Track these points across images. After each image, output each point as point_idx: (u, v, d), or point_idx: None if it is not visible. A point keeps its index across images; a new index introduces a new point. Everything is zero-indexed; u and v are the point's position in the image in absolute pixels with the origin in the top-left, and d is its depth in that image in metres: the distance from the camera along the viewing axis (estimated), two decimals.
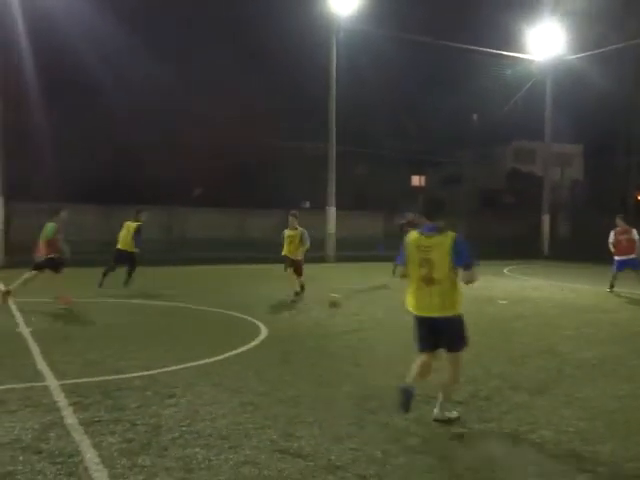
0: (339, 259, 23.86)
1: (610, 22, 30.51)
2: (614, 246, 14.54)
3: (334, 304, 10.02)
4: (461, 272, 4.93)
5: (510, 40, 28.46)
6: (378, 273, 19.10)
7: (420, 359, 5.11)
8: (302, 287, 12.88)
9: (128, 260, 13.51)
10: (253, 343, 8.22)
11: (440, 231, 4.94)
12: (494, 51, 27.76)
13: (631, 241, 14.30)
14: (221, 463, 4.23)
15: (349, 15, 23.76)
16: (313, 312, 11.13)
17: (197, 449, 4.44)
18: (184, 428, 4.86)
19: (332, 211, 24.07)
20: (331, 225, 24.01)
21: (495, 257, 23.55)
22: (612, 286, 14.45)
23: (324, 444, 4.60)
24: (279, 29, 29.56)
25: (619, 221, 14.70)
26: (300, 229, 12.71)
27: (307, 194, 31.63)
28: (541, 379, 6.67)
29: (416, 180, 47.17)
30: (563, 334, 9.38)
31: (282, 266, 12.85)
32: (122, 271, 13.78)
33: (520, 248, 26.51)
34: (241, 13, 33.57)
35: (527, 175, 36.40)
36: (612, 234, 14.68)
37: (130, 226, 13.52)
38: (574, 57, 27.95)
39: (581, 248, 27.46)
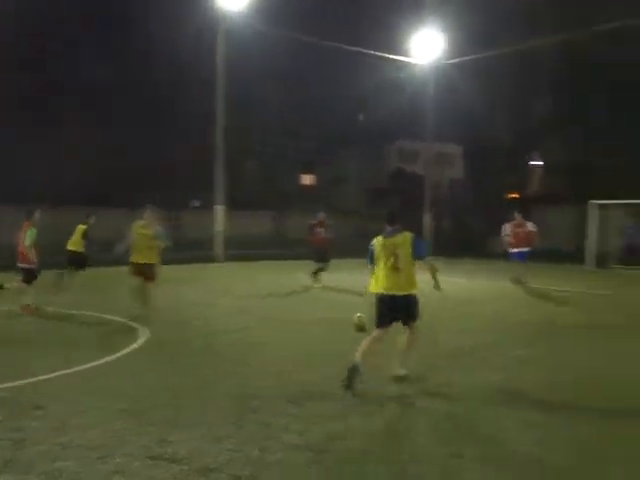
0: (228, 258, 23.62)
1: (493, 28, 32.23)
2: (512, 238, 15.13)
3: (361, 327, 8.82)
4: (418, 262, 6.38)
5: (395, 42, 29.37)
6: (268, 272, 19.10)
7: (374, 335, 6.32)
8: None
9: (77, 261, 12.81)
10: (134, 346, 7.92)
11: (400, 232, 6.43)
12: (379, 53, 28.53)
13: (527, 233, 15.04)
14: (90, 475, 4.02)
15: (236, 11, 23.51)
16: (201, 312, 10.93)
17: (65, 462, 4.20)
18: (52, 440, 4.58)
19: (220, 210, 23.77)
20: (219, 224, 23.71)
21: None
22: (519, 280, 14.80)
23: (201, 446, 4.51)
24: (163, 27, 28.66)
25: (517, 215, 15.44)
26: (156, 227, 10.46)
27: (198, 193, 31.22)
28: (418, 369, 6.90)
29: (306, 179, 47.56)
30: (442, 325, 9.77)
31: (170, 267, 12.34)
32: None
33: None
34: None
35: (411, 175, 37.74)
36: (507, 227, 15.34)
37: (80, 229, 12.93)
38: (455, 61, 29.20)
39: (462, 245, 28.87)
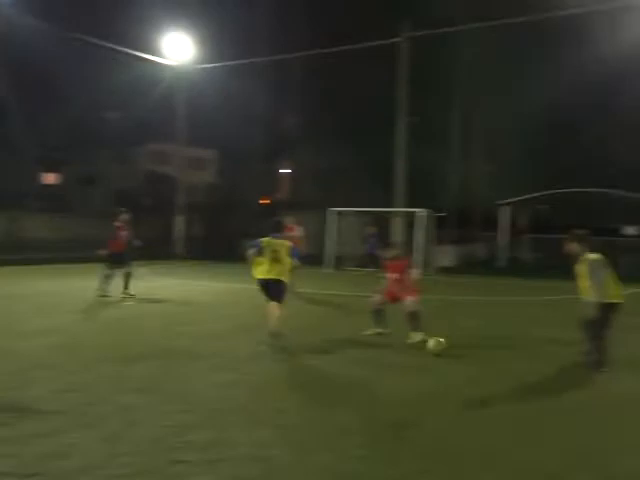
0: None
1: (252, 36, 33.13)
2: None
3: (436, 350, 7.84)
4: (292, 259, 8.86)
5: (149, 44, 28.63)
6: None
7: (268, 307, 8.65)
8: None
9: None
10: None
11: (281, 237, 8.97)
12: (132, 52, 27.53)
13: (294, 238, 15.37)
14: None
15: None
16: None
17: None
18: None
19: None
20: None
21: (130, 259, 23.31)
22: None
23: None
24: None
25: (289, 219, 15.76)
26: None
27: None
28: (152, 377, 6.74)
29: (49, 178, 44.08)
30: (183, 331, 9.69)
31: None
32: None
33: (156, 249, 26.77)
34: None
35: (163, 177, 37.05)
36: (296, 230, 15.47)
37: None
38: (209, 66, 29.39)
39: (214, 248, 29.13)
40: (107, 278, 13.43)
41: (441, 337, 8.27)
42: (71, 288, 15.33)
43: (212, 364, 7.41)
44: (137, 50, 27.84)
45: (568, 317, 9.01)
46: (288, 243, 8.92)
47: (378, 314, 9.38)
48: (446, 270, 22.43)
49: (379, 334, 9.33)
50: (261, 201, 37.13)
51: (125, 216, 14.03)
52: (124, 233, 13.77)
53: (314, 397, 6.20)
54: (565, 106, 29.48)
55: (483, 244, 29.82)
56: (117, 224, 13.80)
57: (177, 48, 28.89)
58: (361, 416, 5.56)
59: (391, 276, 9.23)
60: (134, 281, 13.90)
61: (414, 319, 8.97)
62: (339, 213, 23.64)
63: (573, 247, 7.63)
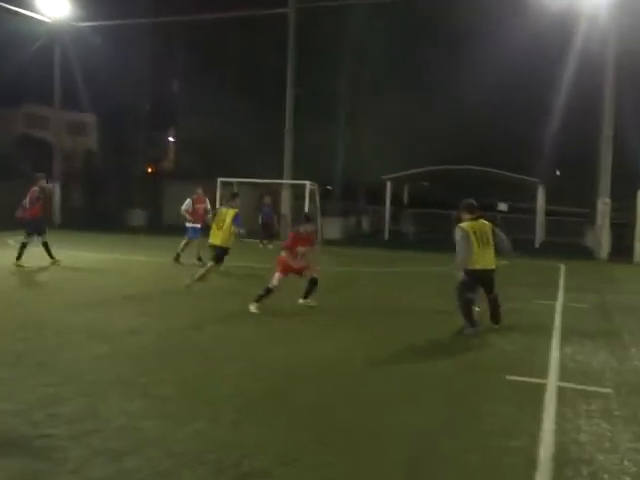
0: None
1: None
2: (190, 214, 14.76)
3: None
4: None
5: None
6: None
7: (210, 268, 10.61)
8: None
9: None
10: None
11: (231, 207, 10.87)
12: (4, 5, 25.42)
13: (205, 210, 14.93)
14: None
15: None
16: None
17: None
18: None
19: None
20: None
21: (2, 227, 21.98)
22: (179, 255, 14.49)
23: None
24: None
25: (198, 190, 15.22)
26: None
27: None
28: (19, 350, 6.43)
29: None
30: (50, 302, 9.28)
31: None
32: None
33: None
34: None
35: (40, 142, 34.84)
36: (188, 201, 14.93)
37: None
38: (89, 24, 27.74)
39: (93, 217, 27.96)
40: (24, 246, 12.67)
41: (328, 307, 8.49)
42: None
43: (88, 336, 7.17)
44: (10, 3, 25.77)
45: (445, 286, 9.50)
46: (233, 211, 10.69)
47: (270, 293, 8.95)
48: (332, 242, 22.87)
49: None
50: (147, 170, 35.91)
51: (43, 182, 13.30)
52: (38, 202, 12.95)
53: (191, 368, 6.17)
54: (455, 87, 30.41)
55: (368, 217, 30.64)
56: (35, 189, 12.93)
57: (54, 3, 27.03)
58: (239, 384, 5.61)
59: (302, 249, 9.13)
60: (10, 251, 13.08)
61: (314, 286, 9.24)
62: (226, 184, 23.36)
63: (463, 215, 8.13)
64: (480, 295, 8.24)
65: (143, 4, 29.90)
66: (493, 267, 8.06)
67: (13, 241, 19.50)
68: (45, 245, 13.17)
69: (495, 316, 8.24)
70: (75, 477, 3.75)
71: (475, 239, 7.88)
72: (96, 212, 28.95)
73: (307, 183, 22.69)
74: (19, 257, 12.73)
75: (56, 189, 27.43)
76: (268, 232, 20.67)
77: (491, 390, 5.78)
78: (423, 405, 5.28)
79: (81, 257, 15.83)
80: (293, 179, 24.23)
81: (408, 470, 4.06)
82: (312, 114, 26.03)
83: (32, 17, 26.86)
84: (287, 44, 24.14)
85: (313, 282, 9.28)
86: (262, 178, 23.68)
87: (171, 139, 41.83)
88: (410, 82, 29.82)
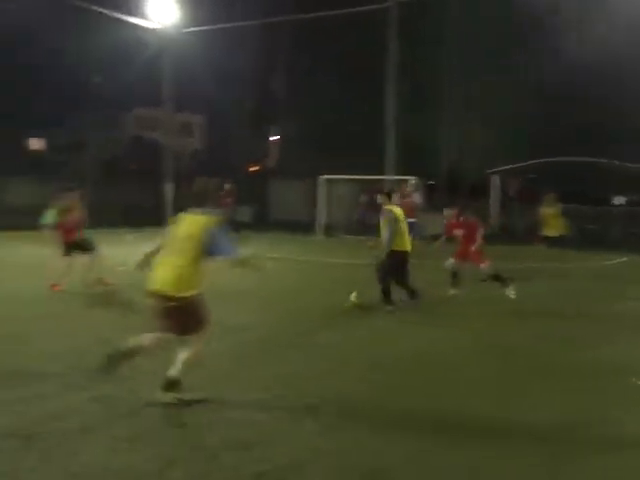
0: None
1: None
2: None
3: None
4: None
5: (134, 6, 27.95)
6: None
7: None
8: None
9: None
10: None
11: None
12: (117, 15, 26.92)
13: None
14: None
15: None
16: None
17: None
18: None
19: None
20: None
21: (120, 225, 23.32)
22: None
23: None
24: None
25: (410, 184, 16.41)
26: None
27: None
28: None
29: (35, 143, 43.40)
30: None
31: None
32: None
33: (145, 215, 26.59)
34: None
35: (150, 143, 36.61)
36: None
37: None
38: (196, 29, 28.81)
39: None
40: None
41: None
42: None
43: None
44: (122, 13, 27.22)
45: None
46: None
47: (455, 275, 9.98)
48: (436, 238, 22.42)
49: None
50: (250, 168, 36.82)
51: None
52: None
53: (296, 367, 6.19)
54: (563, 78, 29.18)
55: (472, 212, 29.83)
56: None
57: (162, 11, 28.28)
58: (367, 378, 5.58)
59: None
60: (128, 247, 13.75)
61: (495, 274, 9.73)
62: (329, 181, 23.50)
63: (383, 200, 8.87)
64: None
65: (247, 4, 30.70)
66: (409, 250, 8.75)
67: (133, 237, 20.70)
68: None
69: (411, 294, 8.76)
70: (213, 463, 3.86)
71: (399, 222, 8.60)
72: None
73: (411, 179, 22.41)
74: None
75: (168, 189, 28.72)
76: (363, 226, 20.69)
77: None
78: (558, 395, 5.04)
79: None
80: (396, 175, 23.98)
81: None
82: (415, 107, 25.70)
83: (143, 25, 28.23)
84: (389, 38, 23.92)
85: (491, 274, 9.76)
86: (365, 174, 23.63)
87: (275, 137, 42.64)
88: (517, 70, 28.82)
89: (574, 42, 26.74)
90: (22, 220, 21.53)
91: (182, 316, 4.65)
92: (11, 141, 36.03)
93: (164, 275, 4.69)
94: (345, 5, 25.34)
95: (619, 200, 28.59)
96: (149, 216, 26.57)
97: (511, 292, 9.55)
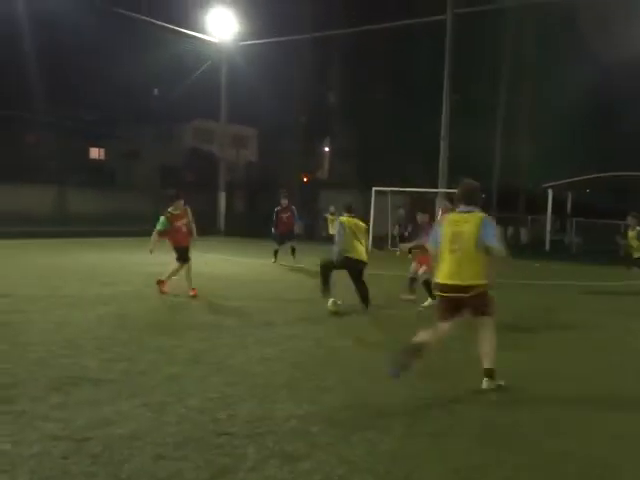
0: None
1: (288, 10, 32.89)
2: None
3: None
4: None
5: (191, 19, 28.69)
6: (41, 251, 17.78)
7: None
8: None
9: None
10: None
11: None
12: (174, 27, 27.71)
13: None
14: None
15: None
16: None
17: None
18: None
19: None
20: None
21: None
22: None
23: None
24: None
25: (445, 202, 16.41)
26: None
27: None
28: (198, 349, 6.87)
29: (95, 152, 44.91)
30: (225, 306, 9.84)
31: None
32: None
33: (199, 224, 27.12)
34: None
35: (206, 154, 37.41)
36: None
37: None
38: (252, 43, 29.34)
39: (254, 225, 29.34)
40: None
41: None
42: (116, 261, 15.68)
43: (256, 339, 7.51)
44: (182, 27, 27.98)
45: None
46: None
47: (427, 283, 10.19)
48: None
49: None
50: (303, 179, 37.09)
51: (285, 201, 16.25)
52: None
53: (355, 377, 6.23)
54: (605, 92, 28.54)
55: (527, 227, 29.35)
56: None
57: (221, 25, 28.92)
58: (409, 395, 5.57)
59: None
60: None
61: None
62: (381, 193, 23.49)
63: (345, 213, 9.92)
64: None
65: (301, 18, 31.08)
66: (360, 259, 9.55)
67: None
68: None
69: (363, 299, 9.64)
70: (255, 475, 3.91)
71: (350, 231, 9.51)
72: (254, 220, 30.38)
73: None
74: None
75: (222, 198, 29.25)
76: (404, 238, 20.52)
77: None
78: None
79: (243, 263, 16.69)
80: (448, 187, 23.78)
81: None
82: (469, 120, 25.47)
83: (201, 38, 28.94)
84: (444, 50, 23.81)
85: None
86: (417, 187, 23.53)
87: (326, 149, 42.90)
88: (568, 83, 28.31)
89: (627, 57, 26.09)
90: (83, 228, 22.21)
91: (477, 302, 5.51)
92: (73, 150, 37.28)
93: (454, 269, 5.50)
94: (400, 17, 25.42)
95: None
96: (202, 225, 27.10)
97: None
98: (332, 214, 19.64)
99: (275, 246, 16.47)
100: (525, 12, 26.61)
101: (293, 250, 16.32)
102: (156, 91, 40.99)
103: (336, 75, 36.73)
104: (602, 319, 10.03)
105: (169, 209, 10.57)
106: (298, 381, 5.88)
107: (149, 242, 10.44)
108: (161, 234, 10.44)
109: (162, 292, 10.38)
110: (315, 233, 27.79)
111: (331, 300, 9.51)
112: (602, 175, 24.66)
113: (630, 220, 12.89)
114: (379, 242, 23.06)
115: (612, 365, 7.11)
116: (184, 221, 10.52)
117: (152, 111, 38.86)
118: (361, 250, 9.62)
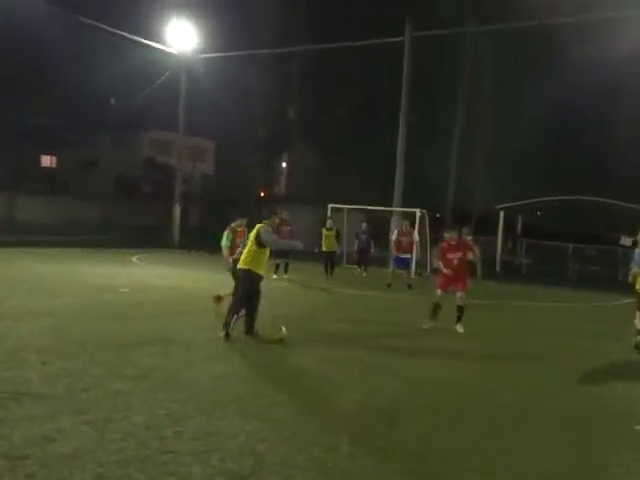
0: None
1: (255, 27, 33.06)
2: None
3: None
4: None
5: (151, 30, 28.45)
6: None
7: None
8: None
9: None
10: None
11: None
12: (135, 38, 27.42)
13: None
14: None
15: None
16: None
17: None
18: None
19: None
20: None
21: (127, 245, 23.46)
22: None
23: None
24: None
25: (405, 222, 17.55)
26: None
27: None
28: (147, 365, 6.74)
29: (47, 160, 43.93)
30: (177, 321, 9.70)
31: None
32: None
33: (152, 237, 26.78)
34: None
35: (163, 165, 37.00)
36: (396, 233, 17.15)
37: None
38: (212, 55, 29.24)
39: (209, 238, 29.06)
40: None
41: None
42: (65, 272, 15.29)
43: (207, 356, 7.42)
44: (142, 37, 27.72)
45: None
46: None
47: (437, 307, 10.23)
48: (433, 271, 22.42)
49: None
50: (259, 193, 37.06)
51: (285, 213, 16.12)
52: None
53: (306, 392, 6.21)
54: (561, 115, 29.48)
55: (479, 247, 29.81)
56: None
57: (181, 36, 28.77)
58: (358, 410, 5.58)
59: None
60: (132, 269, 13.85)
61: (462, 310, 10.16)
62: (337, 210, 23.58)
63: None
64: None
65: (262, 34, 31.22)
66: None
67: (136, 259, 20.74)
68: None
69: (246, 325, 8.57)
70: None
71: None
72: (212, 232, 30.12)
73: (417, 211, 22.44)
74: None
75: (177, 211, 28.91)
76: (364, 258, 20.51)
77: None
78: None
79: (196, 277, 16.50)
80: (403, 206, 24.02)
81: None
82: (424, 141, 25.92)
83: (161, 49, 28.71)
84: (402, 71, 24.15)
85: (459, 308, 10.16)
86: (372, 205, 23.71)
87: (284, 164, 42.99)
88: (524, 108, 29.11)
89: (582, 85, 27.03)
90: (33, 237, 21.62)
91: None
92: (24, 157, 36.41)
93: None
94: (361, 37, 25.74)
95: (626, 241, 28.49)
96: (155, 237, 26.79)
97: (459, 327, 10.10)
98: (328, 229, 18.47)
99: (276, 260, 16.21)
100: (482, 36, 27.27)
101: (286, 265, 16.83)
102: (113, 100, 40.41)
103: (296, 91, 36.97)
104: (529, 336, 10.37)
105: (233, 224, 10.51)
106: (249, 396, 5.83)
107: (221, 260, 10.46)
108: (229, 248, 10.26)
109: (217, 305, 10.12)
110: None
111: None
112: (553, 199, 25.33)
113: None
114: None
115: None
116: (243, 238, 10.28)
117: (109, 120, 38.29)
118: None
